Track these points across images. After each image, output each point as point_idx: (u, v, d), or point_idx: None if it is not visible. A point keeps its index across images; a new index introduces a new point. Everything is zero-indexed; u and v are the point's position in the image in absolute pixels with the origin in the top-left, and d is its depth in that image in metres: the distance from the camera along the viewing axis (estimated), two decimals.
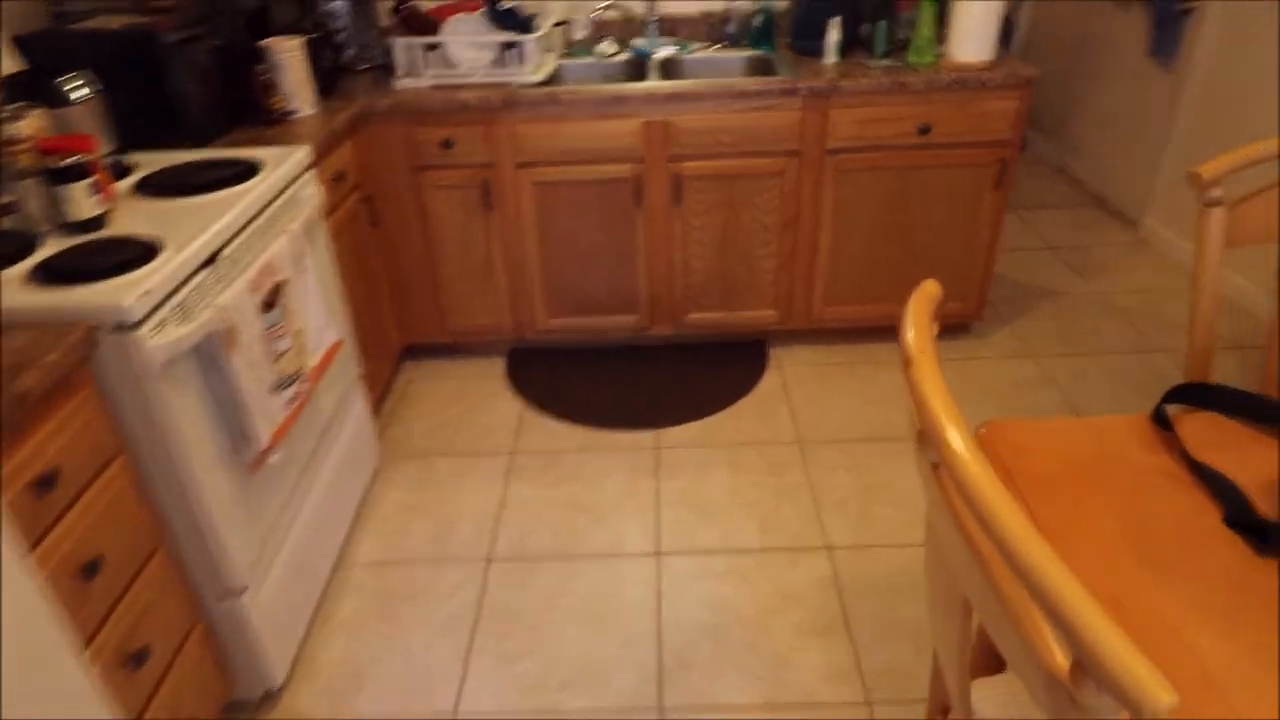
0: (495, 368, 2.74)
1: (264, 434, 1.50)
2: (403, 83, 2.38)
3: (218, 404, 1.45)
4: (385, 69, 2.57)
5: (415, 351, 2.82)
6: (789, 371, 2.64)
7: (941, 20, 2.42)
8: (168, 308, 1.31)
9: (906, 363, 0.78)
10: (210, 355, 1.41)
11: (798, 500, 2.11)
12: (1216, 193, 1.19)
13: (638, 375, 2.66)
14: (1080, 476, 1.05)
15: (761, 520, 2.06)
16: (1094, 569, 0.92)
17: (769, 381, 2.60)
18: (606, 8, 2.61)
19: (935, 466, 0.78)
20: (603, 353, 2.79)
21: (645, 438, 2.38)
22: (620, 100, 2.29)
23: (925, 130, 2.33)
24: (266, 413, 1.52)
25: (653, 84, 2.32)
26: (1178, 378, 2.49)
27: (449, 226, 2.50)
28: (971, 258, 2.54)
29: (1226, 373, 2.50)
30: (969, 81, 2.26)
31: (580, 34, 2.68)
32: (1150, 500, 1.01)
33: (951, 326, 2.74)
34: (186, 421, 1.35)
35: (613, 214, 2.48)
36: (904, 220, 2.48)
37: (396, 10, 2.36)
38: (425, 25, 2.40)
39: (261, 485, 1.60)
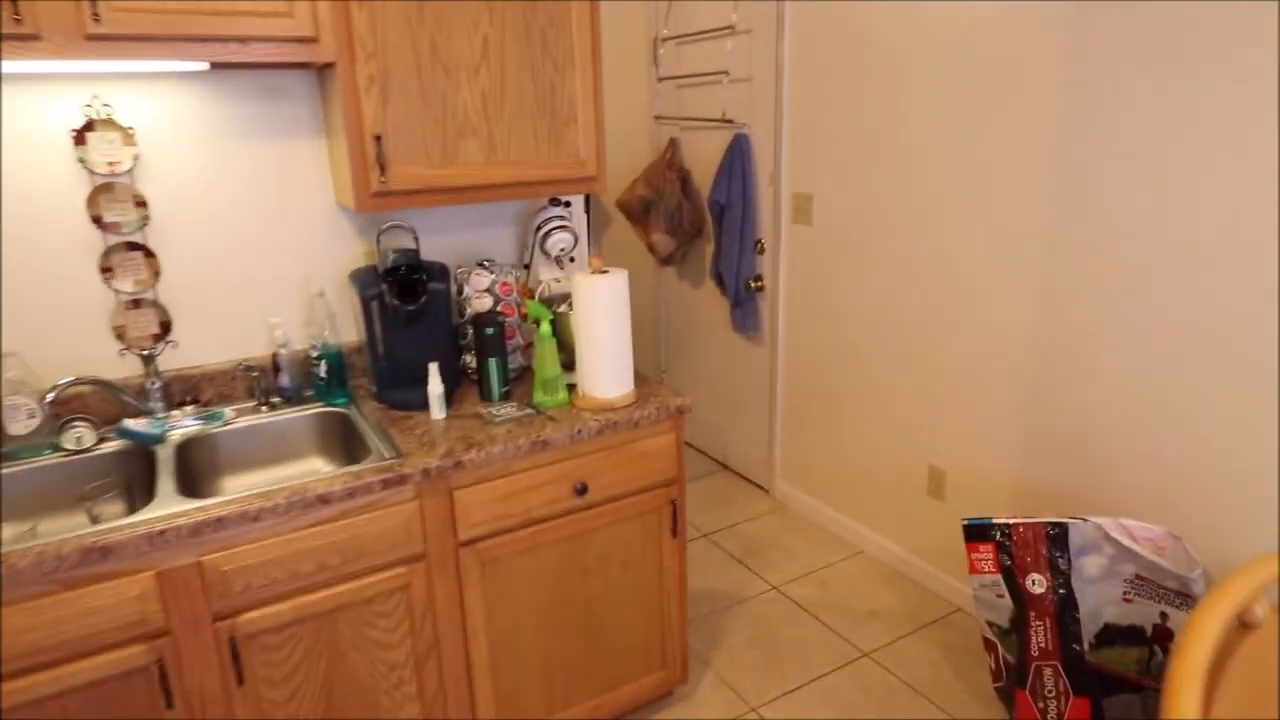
0: None
1: None
2: None
3: None
4: None
5: None
6: None
7: (561, 345, 2.00)
8: None
9: None
10: None
11: None
12: None
13: None
14: None
15: None
16: None
17: None
18: (72, 384, 1.67)
19: None
20: None
21: None
22: (105, 553, 1.35)
23: (583, 490, 1.80)
24: None
25: (165, 513, 1.42)
26: (898, 690, 2.21)
27: None
28: (665, 618, 2.02)
29: (932, 664, 2.30)
30: (618, 424, 1.81)
31: (24, 425, 1.67)
32: None
33: (655, 698, 2.15)
34: None
35: None
36: (579, 597, 1.88)
37: None
38: None
39: None
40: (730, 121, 3.09)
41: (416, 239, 1.90)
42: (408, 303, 1.81)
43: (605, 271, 1.81)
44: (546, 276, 2.12)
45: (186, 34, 1.48)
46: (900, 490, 2.71)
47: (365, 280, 1.85)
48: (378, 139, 1.69)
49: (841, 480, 2.95)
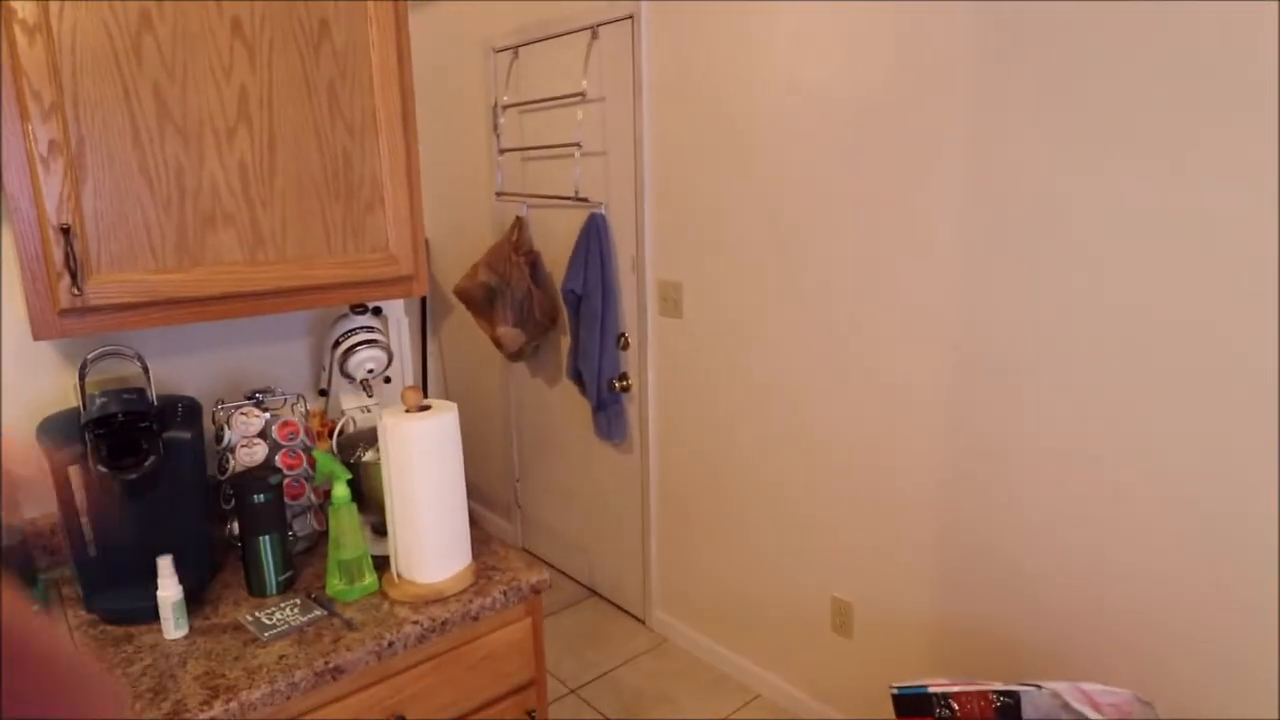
0: None
1: None
2: None
3: None
4: None
5: None
6: None
7: (369, 505, 1.47)
8: None
9: None
10: None
11: None
12: None
13: None
14: None
15: None
16: None
17: None
18: None
19: None
20: None
21: None
22: None
23: None
24: None
25: None
26: None
27: None
28: None
29: None
30: (449, 622, 1.29)
31: None
32: None
33: None
34: None
35: None
36: None
37: None
38: None
39: None
40: (584, 200, 2.70)
41: (146, 368, 1.32)
42: (124, 468, 1.22)
43: (426, 407, 1.32)
44: (351, 406, 1.59)
45: None
46: (799, 625, 2.31)
47: (60, 435, 1.25)
48: (66, 231, 1.13)
49: (730, 611, 2.53)
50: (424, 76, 3.38)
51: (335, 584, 1.33)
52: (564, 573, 3.24)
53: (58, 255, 1.13)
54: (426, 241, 3.55)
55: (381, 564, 1.40)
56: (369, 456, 1.48)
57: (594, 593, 3.09)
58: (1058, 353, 1.66)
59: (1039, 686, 1.54)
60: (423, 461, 1.28)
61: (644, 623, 2.86)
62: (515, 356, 3.01)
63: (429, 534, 1.31)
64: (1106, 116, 1.51)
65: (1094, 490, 1.65)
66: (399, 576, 1.34)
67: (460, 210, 3.36)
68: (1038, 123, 1.61)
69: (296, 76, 1.30)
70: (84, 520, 1.26)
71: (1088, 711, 1.51)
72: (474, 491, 3.70)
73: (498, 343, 2.93)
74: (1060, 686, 1.54)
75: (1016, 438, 1.75)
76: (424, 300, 3.65)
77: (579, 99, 2.65)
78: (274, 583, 1.34)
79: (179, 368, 1.54)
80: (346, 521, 1.31)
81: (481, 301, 2.91)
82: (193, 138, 1.22)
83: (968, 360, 1.81)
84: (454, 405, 1.34)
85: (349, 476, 1.34)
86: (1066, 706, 1.53)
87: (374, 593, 1.34)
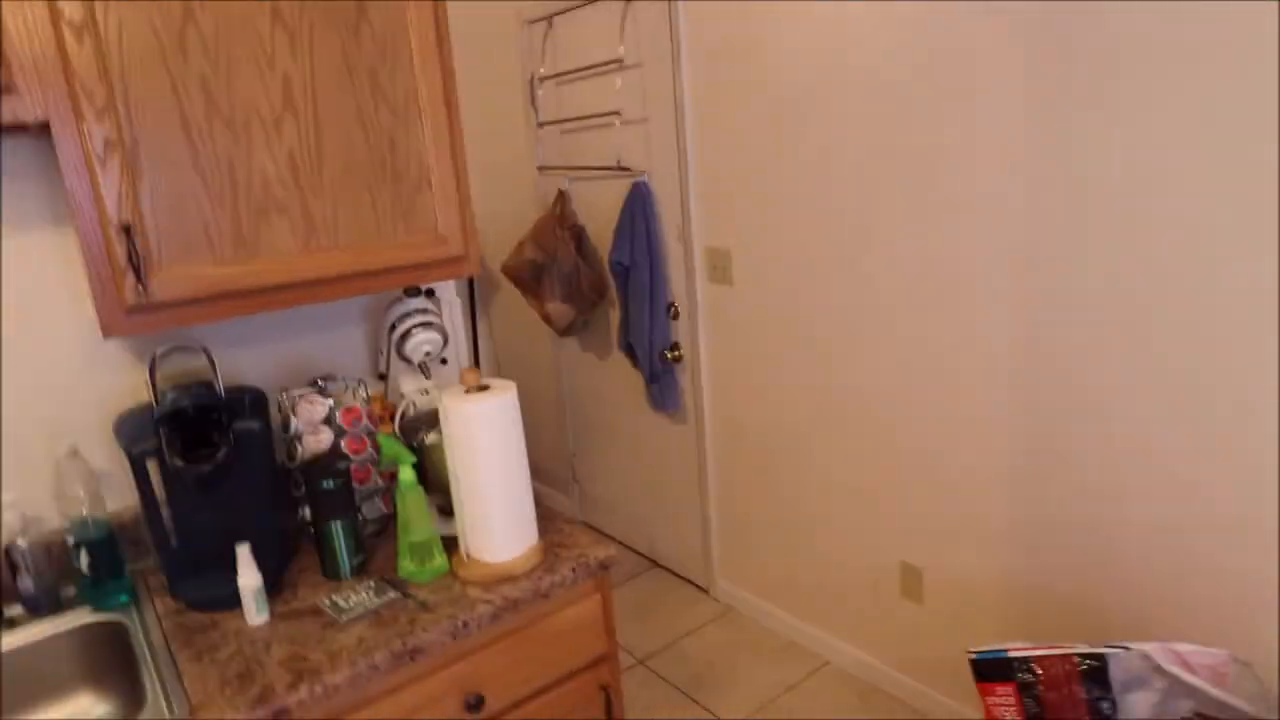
0: None
1: None
2: None
3: None
4: None
5: None
6: None
7: (435, 485, 1.48)
8: None
9: None
10: None
11: None
12: None
13: None
14: None
15: None
16: None
17: None
18: None
19: None
20: None
21: None
22: None
23: (477, 703, 1.27)
24: None
25: None
26: None
27: None
28: None
29: None
30: (520, 601, 1.30)
31: None
32: None
33: None
34: None
35: None
36: None
37: None
38: None
39: None
40: (627, 169, 2.66)
41: (213, 362, 1.34)
42: (199, 460, 1.24)
43: (485, 387, 1.31)
44: (410, 389, 1.59)
45: None
46: (867, 590, 2.28)
47: (135, 430, 1.28)
48: (127, 230, 1.14)
49: (795, 578, 2.51)
50: (458, 52, 3.36)
51: (406, 566, 1.35)
52: (625, 545, 3.25)
53: (120, 253, 1.15)
54: None
55: (450, 544, 1.40)
56: (431, 438, 1.48)
57: (656, 564, 3.10)
58: (1132, 309, 1.57)
59: (1127, 648, 1.49)
60: (485, 441, 1.28)
61: (707, 592, 2.86)
62: (565, 332, 3.00)
63: (495, 513, 1.31)
64: (1172, 86, 1.41)
65: (1179, 443, 1.57)
66: (468, 556, 1.35)
67: (503, 187, 3.35)
68: (1099, 91, 1.51)
69: (338, 61, 1.29)
70: (164, 512, 1.29)
71: (1181, 673, 1.46)
72: (531, 468, 3.73)
73: (547, 319, 2.92)
74: (1150, 648, 1.48)
75: (1089, 391, 1.68)
76: (471, 279, 3.66)
77: (616, 65, 2.60)
78: (348, 566, 1.36)
79: (242, 359, 1.56)
80: (414, 504, 1.32)
81: (529, 279, 2.90)
82: (241, 129, 1.22)
83: (1033, 320, 1.73)
84: (512, 384, 1.33)
85: (414, 459, 1.34)
86: (1158, 669, 1.47)
87: (445, 574, 1.35)
